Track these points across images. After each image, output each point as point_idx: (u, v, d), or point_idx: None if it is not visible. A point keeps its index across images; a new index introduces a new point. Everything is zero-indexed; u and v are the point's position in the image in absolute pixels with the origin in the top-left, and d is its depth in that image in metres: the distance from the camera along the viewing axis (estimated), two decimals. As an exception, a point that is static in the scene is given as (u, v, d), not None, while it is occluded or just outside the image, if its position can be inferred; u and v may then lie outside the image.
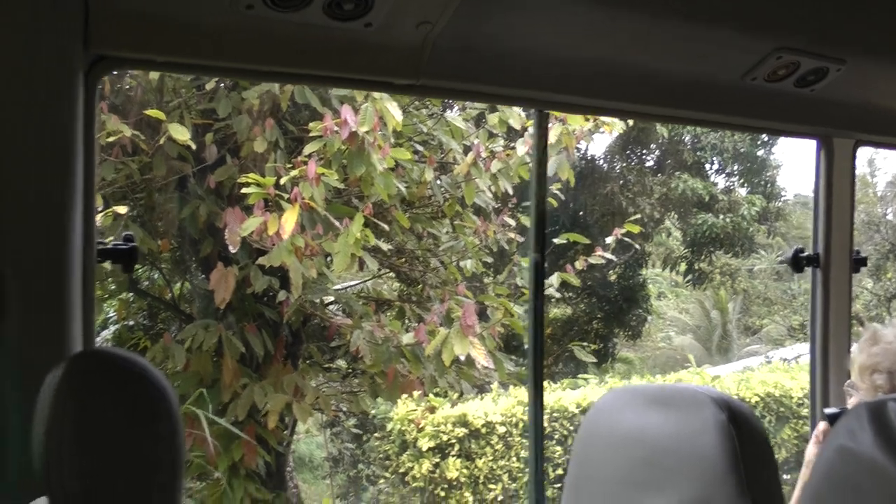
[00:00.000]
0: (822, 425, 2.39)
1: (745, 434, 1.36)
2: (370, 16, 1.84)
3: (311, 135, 5.56)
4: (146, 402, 1.31)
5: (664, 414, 1.45)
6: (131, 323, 8.26)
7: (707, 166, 13.94)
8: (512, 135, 7.28)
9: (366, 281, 7.50)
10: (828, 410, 2.23)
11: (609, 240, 6.94)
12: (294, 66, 2.01)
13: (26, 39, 1.66)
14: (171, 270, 7.82)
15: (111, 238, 5.85)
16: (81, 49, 1.74)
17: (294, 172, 5.19)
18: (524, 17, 2.04)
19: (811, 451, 2.37)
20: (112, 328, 8.20)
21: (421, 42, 1.96)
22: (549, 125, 5.99)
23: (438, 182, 6.33)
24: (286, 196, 5.25)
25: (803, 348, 12.66)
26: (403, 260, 7.53)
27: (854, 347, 2.41)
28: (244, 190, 5.31)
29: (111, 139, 5.60)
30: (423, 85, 2.08)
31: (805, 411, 8.85)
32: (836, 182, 2.85)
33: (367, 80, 2.32)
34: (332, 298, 6.95)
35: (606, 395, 1.61)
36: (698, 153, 13.55)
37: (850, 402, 2.32)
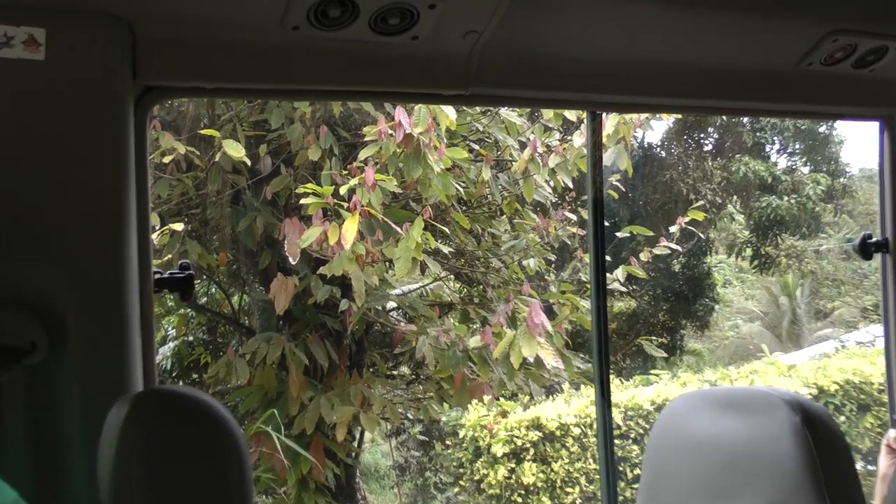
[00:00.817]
0: (892, 433, 2.31)
1: (820, 436, 1.36)
2: (416, 28, 1.83)
3: (365, 139, 5.59)
4: (212, 438, 1.35)
5: (736, 419, 1.45)
6: (191, 338, 8.41)
7: (768, 147, 13.72)
8: (568, 126, 7.23)
9: (426, 285, 7.50)
10: None
11: (673, 229, 6.87)
12: (342, 83, 2.01)
13: (74, 74, 1.67)
14: (229, 284, 7.93)
15: (168, 256, 5.97)
16: (130, 81, 1.75)
17: (354, 181, 5.21)
18: (572, 19, 2.02)
19: (883, 463, 2.30)
20: (171, 344, 8.35)
21: (469, 51, 1.96)
22: (605, 116, 5.97)
23: (496, 180, 6.30)
24: (345, 204, 5.27)
25: (879, 330, 12.36)
26: (463, 261, 7.53)
27: None
28: (303, 201, 5.34)
29: (167, 159, 5.69)
30: (473, 94, 2.07)
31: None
32: None
33: (416, 94, 2.33)
34: (393, 305, 6.97)
35: (677, 400, 1.60)
36: (758, 134, 13.34)
37: None
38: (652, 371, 8.79)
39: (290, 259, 5.56)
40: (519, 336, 5.47)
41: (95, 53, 1.69)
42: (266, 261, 6.53)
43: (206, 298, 8.24)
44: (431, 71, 1.99)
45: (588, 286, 6.77)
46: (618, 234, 6.61)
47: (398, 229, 5.40)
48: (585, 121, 5.15)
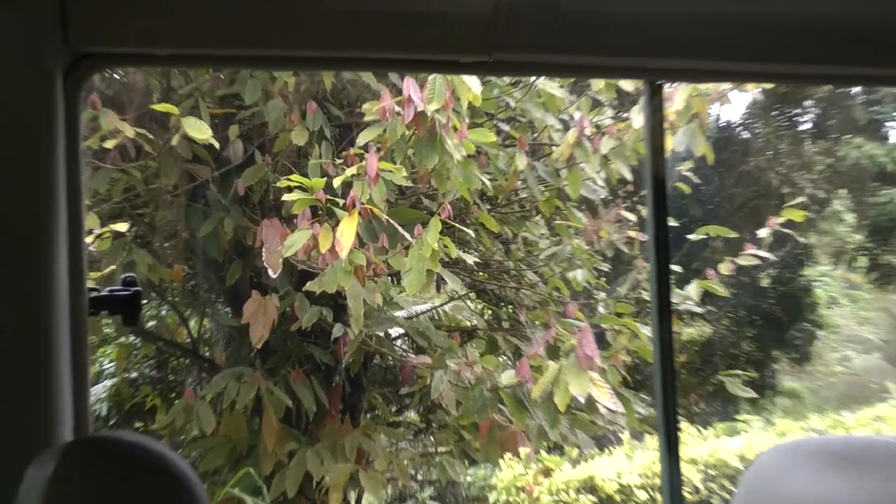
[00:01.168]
0: None
1: None
2: None
3: (365, 119, 5.70)
4: (164, 497, 1.34)
5: (848, 478, 1.40)
6: (134, 375, 8.53)
7: (888, 125, 13.75)
8: (623, 100, 7.34)
9: (442, 305, 7.61)
10: None
11: (762, 232, 6.92)
12: (333, 48, 2.02)
13: None
14: (185, 305, 8.06)
15: (111, 268, 6.07)
16: (58, 47, 1.78)
17: (352, 170, 5.32)
18: None
19: None
20: (108, 383, 8.47)
21: (493, 8, 1.98)
22: (670, 87, 6.07)
23: (533, 170, 6.40)
24: (340, 202, 5.38)
25: None
26: (488, 274, 7.63)
27: None
28: (285, 197, 5.43)
29: (109, 144, 5.70)
30: (498, 61, 2.08)
31: None
32: None
33: (426, 61, 2.35)
34: (400, 330, 7.08)
35: (768, 454, 1.57)
36: (874, 108, 13.38)
37: None
38: (737, 417, 8.83)
39: (270, 272, 5.61)
40: (565, 369, 5.56)
41: (11, 12, 1.72)
42: (236, 274, 6.64)
43: (154, 323, 8.37)
44: (446, 32, 2.01)
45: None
46: (691, 238, 6.68)
47: (407, 235, 5.50)
48: (643, 93, 5.27)
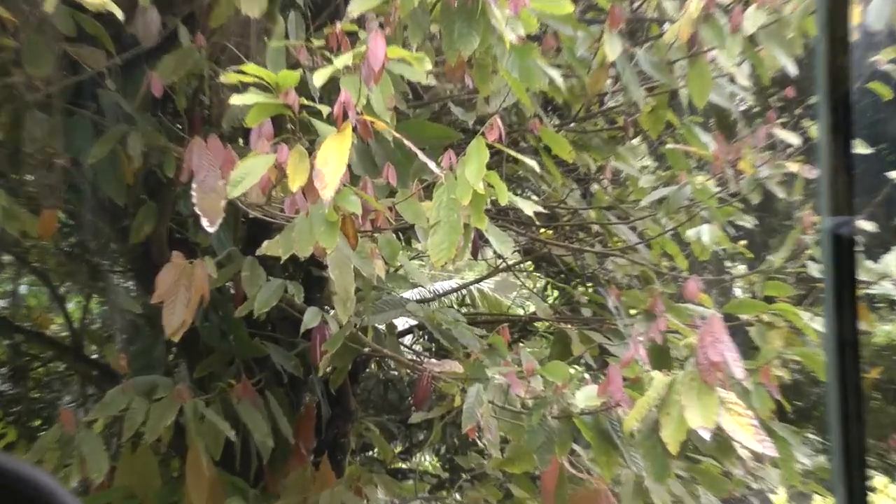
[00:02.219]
0: None
1: None
2: None
3: None
4: None
5: None
6: (-28, 390, 8.67)
7: None
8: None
9: (479, 281, 7.67)
10: None
11: None
12: None
13: None
14: (61, 276, 8.12)
15: None
16: None
17: (345, 59, 5.21)
18: None
19: None
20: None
21: None
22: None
23: (630, 61, 6.40)
24: (324, 110, 5.27)
25: None
26: (553, 232, 7.68)
27: None
28: (234, 99, 5.32)
29: None
30: None
31: None
32: None
33: None
34: (409, 321, 7.12)
35: None
36: None
37: None
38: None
39: (204, 223, 5.49)
40: (680, 386, 5.54)
41: None
42: (146, 225, 6.66)
43: (7, 305, 8.44)
44: None
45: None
46: (891, 176, 6.66)
47: (433, 165, 5.26)
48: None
